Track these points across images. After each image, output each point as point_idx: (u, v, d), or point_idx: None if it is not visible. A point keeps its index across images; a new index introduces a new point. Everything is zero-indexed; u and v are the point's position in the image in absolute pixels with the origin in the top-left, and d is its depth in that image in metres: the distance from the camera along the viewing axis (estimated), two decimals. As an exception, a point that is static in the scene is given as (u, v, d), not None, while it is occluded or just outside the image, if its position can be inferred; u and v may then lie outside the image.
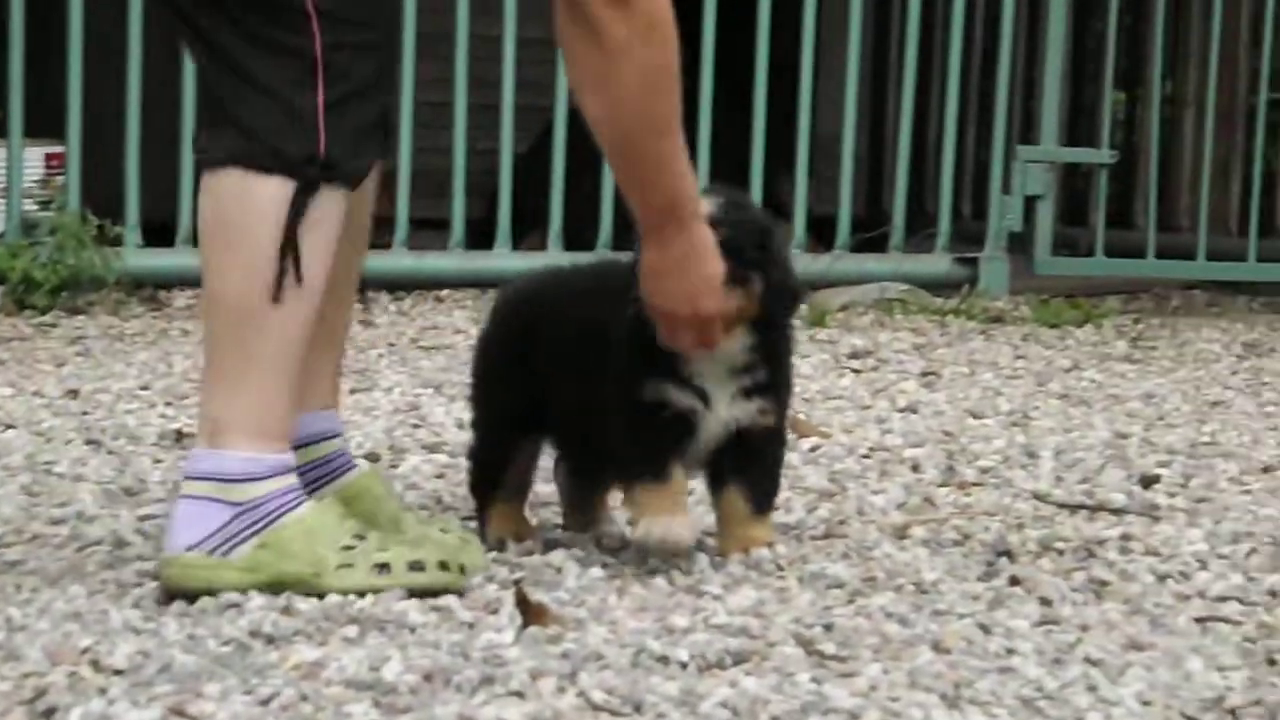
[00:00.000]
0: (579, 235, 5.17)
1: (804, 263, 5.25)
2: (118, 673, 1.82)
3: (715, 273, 2.23)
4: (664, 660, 1.95)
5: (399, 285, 5.14)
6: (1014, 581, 2.32)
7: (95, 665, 1.83)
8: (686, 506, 2.34)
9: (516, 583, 2.20)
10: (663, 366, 2.30)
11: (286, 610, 2.04)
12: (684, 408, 2.31)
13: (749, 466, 2.35)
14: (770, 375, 2.33)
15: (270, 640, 1.95)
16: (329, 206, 2.12)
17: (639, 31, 2.15)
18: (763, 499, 2.38)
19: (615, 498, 2.52)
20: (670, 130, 2.19)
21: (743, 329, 2.29)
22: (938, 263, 5.42)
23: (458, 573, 2.18)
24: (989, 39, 6.23)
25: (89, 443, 3.07)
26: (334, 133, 2.11)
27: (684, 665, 1.94)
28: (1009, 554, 2.45)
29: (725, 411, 2.32)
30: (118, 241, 4.81)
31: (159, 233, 5.03)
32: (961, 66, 5.54)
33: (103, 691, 1.76)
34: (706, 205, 2.25)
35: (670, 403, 2.31)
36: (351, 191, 2.17)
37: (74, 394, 3.51)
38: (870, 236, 5.46)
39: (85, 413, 3.34)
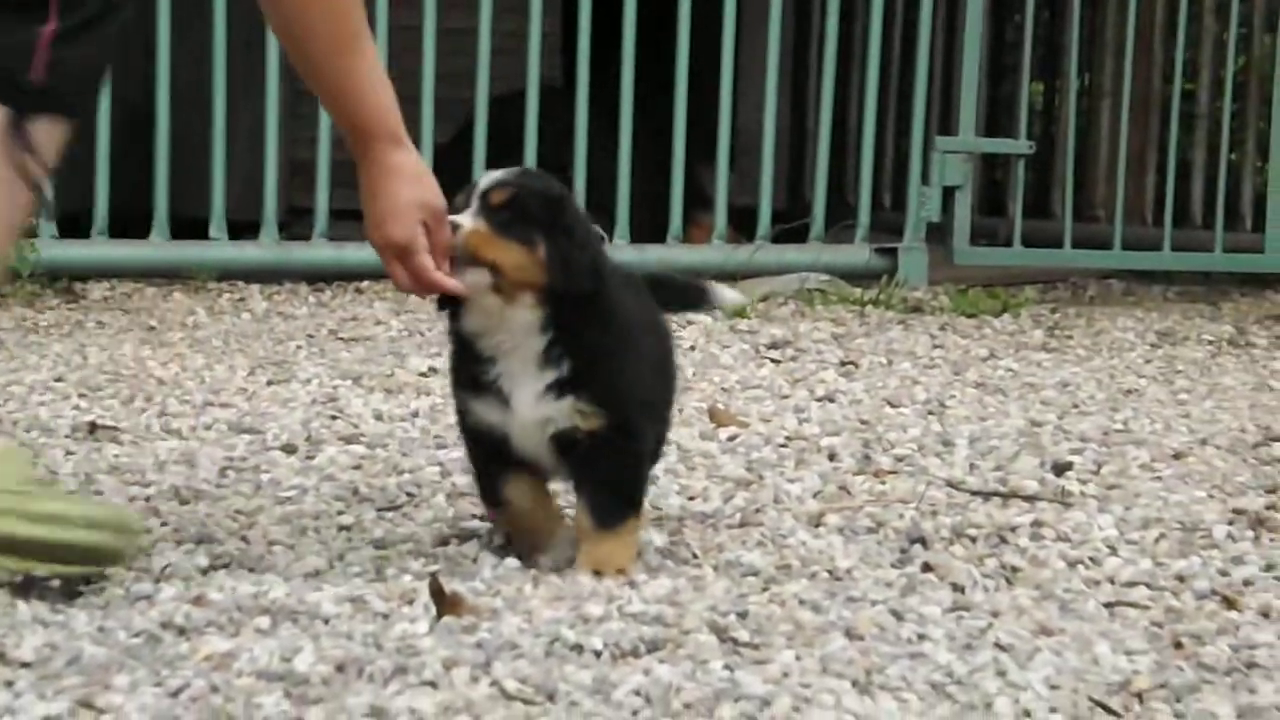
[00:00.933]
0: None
1: (725, 253, 5.29)
2: (24, 665, 1.80)
3: (411, 198, 2.19)
4: (578, 649, 1.95)
5: (319, 276, 5.12)
6: (927, 568, 2.34)
7: (1, 658, 1.81)
8: (537, 533, 2.27)
9: (432, 573, 2.19)
10: (464, 377, 2.24)
11: (198, 601, 2.03)
12: (488, 420, 2.22)
13: (586, 477, 2.23)
14: (587, 371, 2.20)
15: (181, 631, 1.94)
16: (42, 137, 2.09)
17: None
18: (602, 514, 2.23)
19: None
20: (347, 49, 2.18)
21: (532, 301, 2.18)
22: (857, 253, 5.45)
23: None
24: (908, 30, 6.27)
25: (1, 434, 3.04)
26: (58, 63, 2.07)
27: (598, 654, 1.94)
28: (923, 541, 2.47)
29: (531, 412, 2.21)
30: (33, 233, 4.76)
31: (74, 224, 4.98)
32: (881, 57, 5.57)
33: (9, 684, 1.75)
34: (498, 173, 2.22)
35: (475, 415, 2.24)
36: (73, 123, 2.13)
37: (-13, 386, 3.48)
38: (790, 227, 5.48)
39: (-2, 405, 3.31)
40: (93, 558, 2.09)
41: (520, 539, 2.32)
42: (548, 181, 2.25)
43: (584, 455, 2.22)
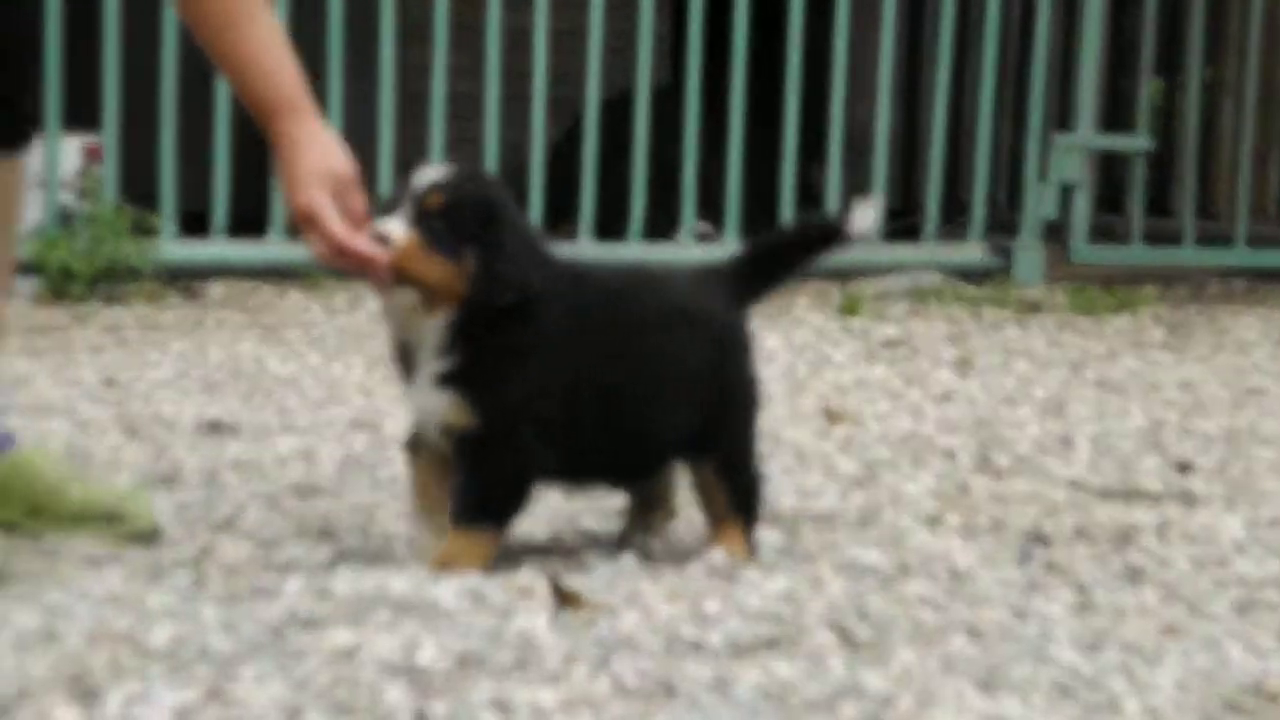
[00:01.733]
0: (610, 226, 5.18)
1: (837, 252, 5.25)
2: (156, 655, 1.83)
3: (313, 167, 2.15)
4: (696, 645, 1.95)
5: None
6: (1049, 568, 2.32)
7: (134, 648, 1.84)
8: (423, 504, 2.21)
9: (550, 569, 2.20)
10: (395, 351, 2.21)
11: (322, 595, 2.05)
12: (405, 397, 2.20)
13: (458, 472, 2.18)
14: (471, 368, 2.15)
15: (306, 624, 1.96)
16: None
17: None
18: (459, 510, 2.17)
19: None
20: (242, 20, 2.17)
21: (450, 308, 2.15)
22: (972, 251, 5.40)
23: None
24: (1026, 23, 6.20)
25: (125, 430, 3.09)
26: None
27: (716, 651, 1.94)
28: (1044, 540, 2.45)
29: (423, 397, 2.18)
30: (153, 232, 4.84)
31: (195, 223, 5.05)
32: (998, 52, 5.51)
33: (142, 674, 1.77)
34: (434, 171, 2.16)
35: (407, 408, 2.22)
36: None
37: (111, 383, 3.53)
38: (904, 225, 5.45)
39: (122, 401, 3.36)
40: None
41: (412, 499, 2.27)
42: (485, 185, 2.19)
43: (461, 450, 2.18)
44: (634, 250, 5.16)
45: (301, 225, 2.14)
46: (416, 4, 5.40)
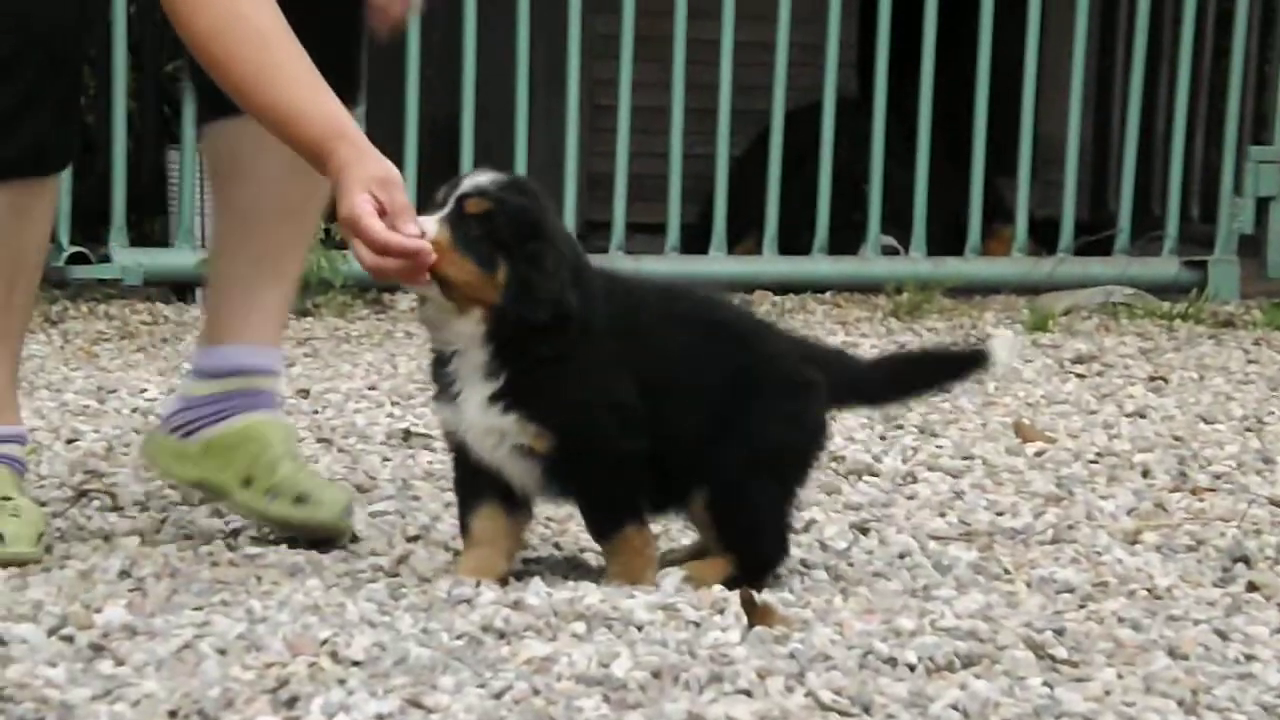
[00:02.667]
0: (794, 239, 5.16)
1: (1025, 267, 5.19)
2: (356, 664, 1.86)
3: (354, 176, 2.10)
4: (892, 662, 1.93)
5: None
6: (1252, 587, 2.26)
7: (334, 656, 1.87)
8: (486, 559, 2.18)
9: (743, 583, 2.20)
10: (434, 381, 2.18)
11: (516, 605, 2.06)
12: (450, 424, 2.16)
13: (569, 495, 2.18)
14: (527, 387, 2.12)
15: (501, 635, 1.98)
16: None
17: None
18: (597, 527, 2.19)
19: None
20: (265, 76, 2.15)
21: (481, 315, 2.12)
22: (1165, 266, 5.29)
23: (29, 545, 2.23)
24: (1220, 34, 6.06)
25: (320, 441, 3.15)
26: None
27: (912, 667, 1.93)
28: (1246, 560, 2.39)
29: (479, 419, 2.14)
30: (344, 245, 4.92)
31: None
32: (1192, 63, 5.40)
33: (342, 682, 1.81)
34: (483, 176, 2.14)
35: (442, 419, 2.18)
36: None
37: (305, 393, 3.60)
38: (1095, 239, 5.35)
39: (316, 411, 3.42)
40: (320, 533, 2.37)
41: (464, 561, 2.23)
42: (531, 197, 2.15)
43: (554, 473, 2.16)
44: (818, 265, 5.14)
45: (345, 234, 2.11)
46: (602, 18, 5.44)
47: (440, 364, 2.18)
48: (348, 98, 2.30)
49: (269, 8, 2.19)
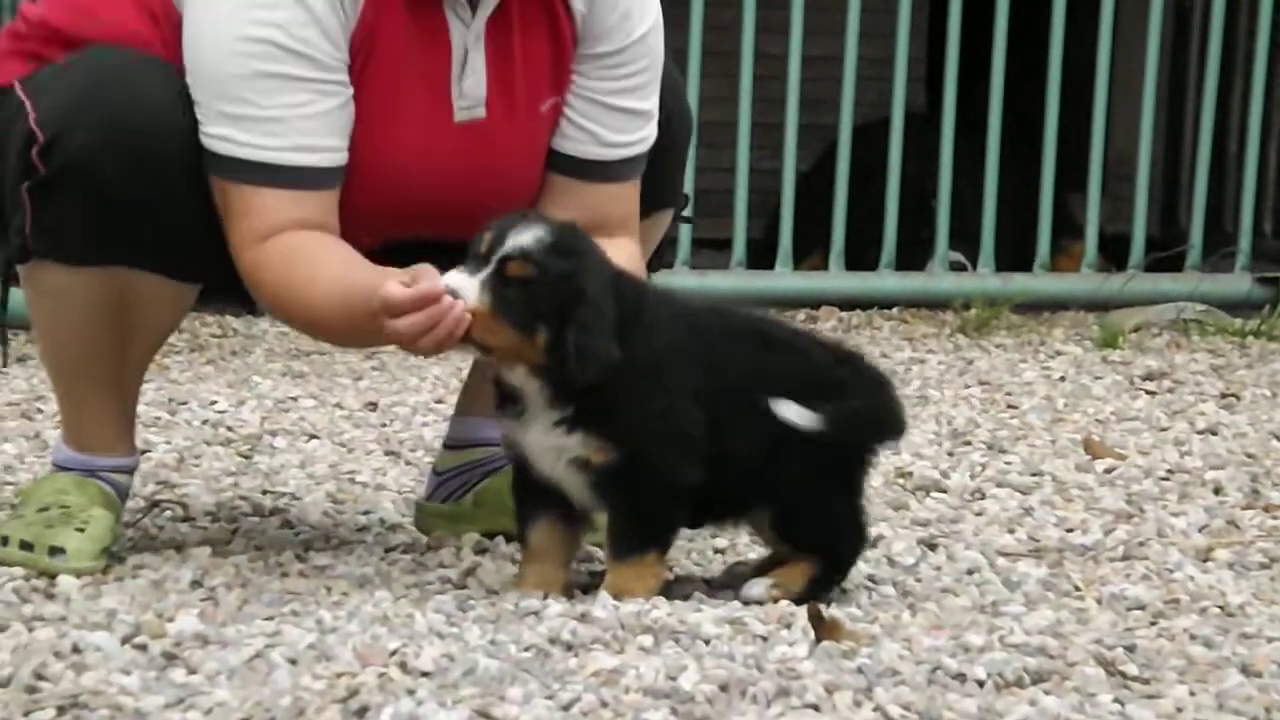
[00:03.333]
0: (861, 254, 5.15)
1: (1095, 283, 5.15)
2: (425, 674, 1.87)
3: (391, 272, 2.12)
4: (961, 677, 1.92)
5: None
6: (1327, 607, 2.24)
7: (403, 667, 1.88)
8: (548, 572, 2.19)
9: (809, 598, 2.20)
10: (499, 396, 2.19)
11: (584, 618, 2.07)
12: (513, 439, 2.17)
13: (608, 507, 2.18)
14: (591, 411, 2.13)
15: (569, 647, 1.98)
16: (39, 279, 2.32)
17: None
18: (619, 545, 2.17)
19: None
20: (300, 275, 2.21)
21: (528, 370, 2.13)
22: (1238, 283, 5.24)
23: (41, 555, 2.27)
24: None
25: (388, 453, 3.17)
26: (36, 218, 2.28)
27: (981, 683, 1.92)
28: (1321, 579, 2.37)
29: (542, 440, 2.16)
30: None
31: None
32: (1266, 77, 5.35)
33: (411, 692, 1.82)
34: (525, 231, 2.11)
35: (505, 433, 2.19)
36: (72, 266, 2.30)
37: (373, 406, 3.63)
38: (1166, 255, 5.31)
39: (384, 424, 3.44)
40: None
41: (526, 575, 2.24)
42: (574, 257, 2.12)
43: (604, 484, 2.16)
44: (885, 281, 5.12)
45: (382, 326, 2.10)
46: (669, 33, 5.45)
47: (504, 382, 2.19)
48: (671, 203, 2.51)
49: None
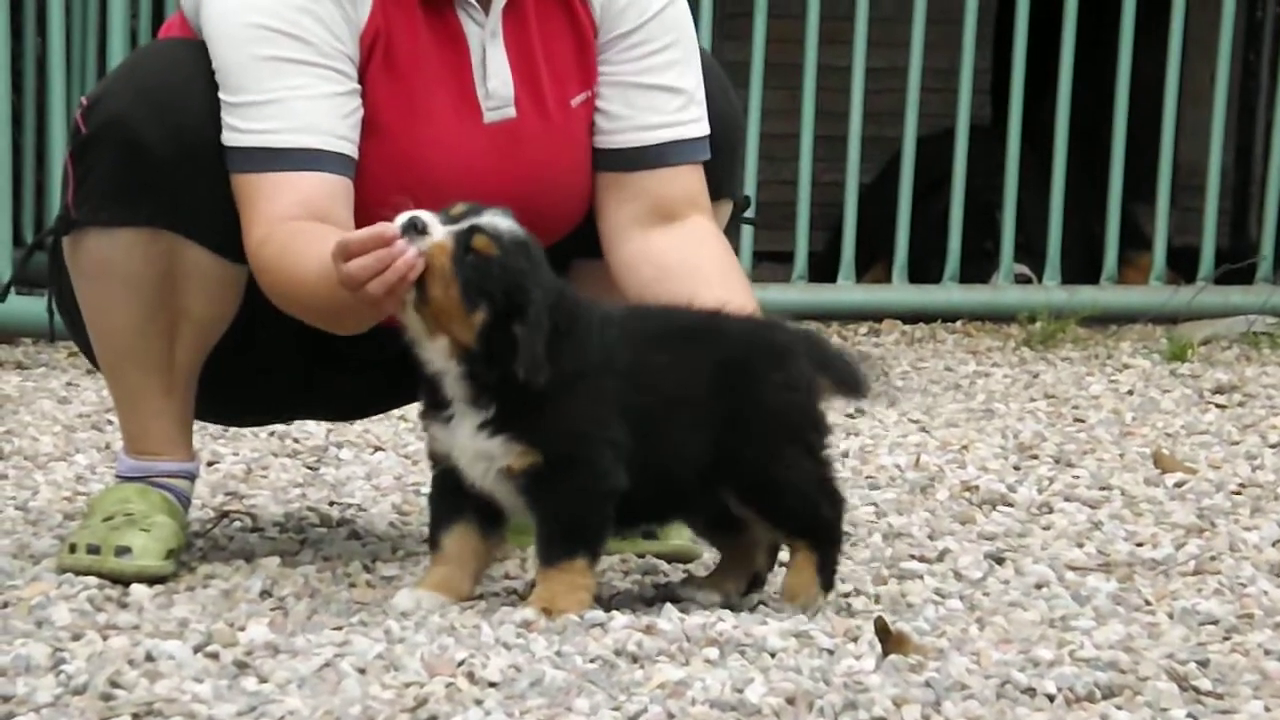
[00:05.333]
0: (924, 267, 5.13)
1: (1164, 295, 5.11)
2: (492, 685, 1.88)
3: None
4: (1030, 692, 1.91)
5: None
6: (1403, 622, 2.21)
7: (471, 677, 1.89)
8: (451, 577, 2.16)
9: (877, 612, 2.19)
10: (426, 402, 2.16)
11: (649, 630, 2.07)
12: (442, 449, 2.15)
13: (535, 513, 2.14)
14: (513, 412, 2.11)
15: (634, 659, 1.98)
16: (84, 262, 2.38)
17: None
18: (547, 551, 2.13)
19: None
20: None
21: (449, 349, 2.10)
22: (1308, 295, 5.18)
23: (108, 556, 2.29)
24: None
25: (455, 466, 3.17)
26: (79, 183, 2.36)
27: (1051, 697, 1.90)
28: (1397, 594, 2.33)
29: (470, 443, 2.13)
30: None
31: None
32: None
33: (479, 703, 1.82)
34: (491, 215, 2.09)
35: (431, 440, 2.16)
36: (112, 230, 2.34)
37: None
38: (1236, 267, 5.26)
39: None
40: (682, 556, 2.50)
41: (429, 576, 2.22)
42: (532, 265, 2.10)
43: (530, 490, 2.13)
44: (949, 293, 5.09)
45: (340, 277, 2.08)
46: (732, 44, 5.45)
47: (431, 385, 2.16)
48: (727, 193, 2.47)
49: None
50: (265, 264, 2.26)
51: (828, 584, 2.24)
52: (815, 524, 2.23)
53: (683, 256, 2.36)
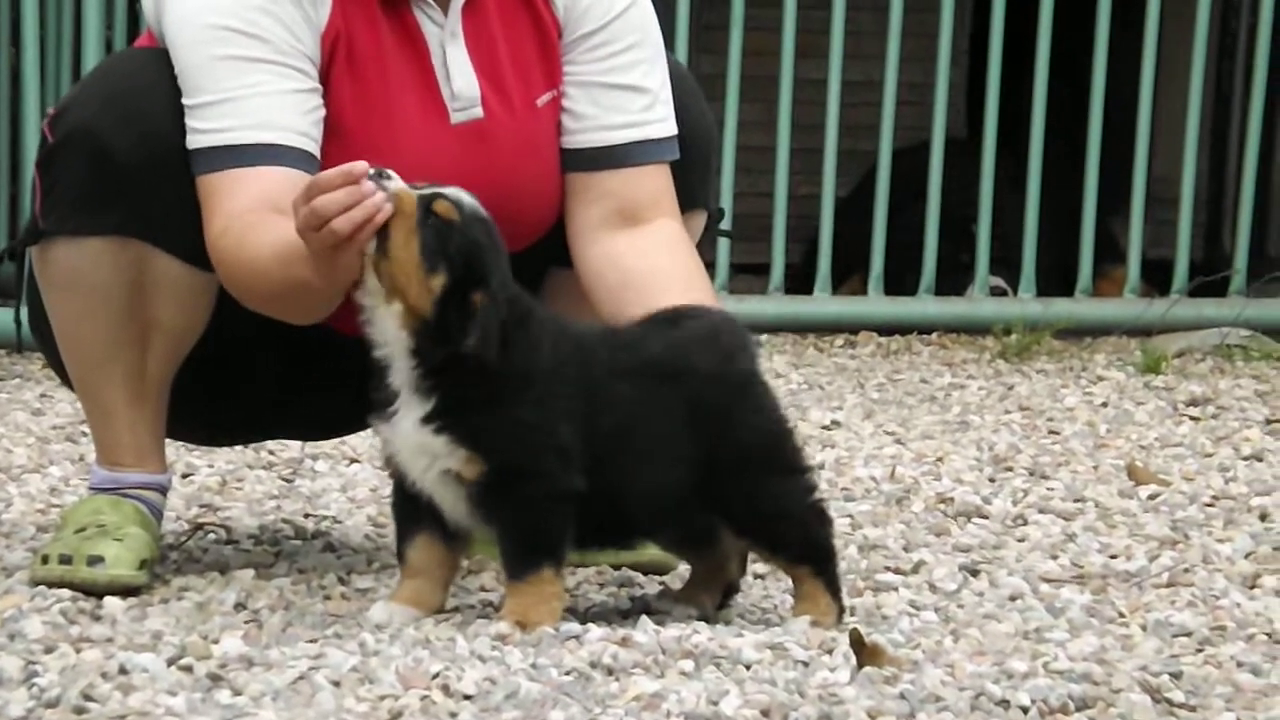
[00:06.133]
0: (899, 279, 5.14)
1: (1138, 308, 5.13)
2: (467, 698, 1.87)
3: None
4: (1004, 704, 1.91)
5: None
6: (1376, 635, 2.22)
7: (446, 690, 1.89)
8: (422, 590, 2.15)
9: (852, 624, 2.19)
10: (374, 400, 2.13)
11: (624, 642, 2.07)
12: (388, 448, 2.12)
13: (493, 525, 2.11)
14: (457, 410, 2.08)
15: (609, 671, 1.98)
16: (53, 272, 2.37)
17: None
18: (512, 563, 2.10)
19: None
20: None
21: (402, 320, 2.07)
22: (1282, 307, 5.21)
23: (80, 565, 2.29)
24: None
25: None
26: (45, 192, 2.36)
27: (1025, 709, 1.91)
28: (1369, 607, 2.34)
29: (413, 436, 2.09)
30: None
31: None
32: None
33: (453, 715, 1.82)
34: (462, 192, 2.10)
35: (381, 440, 2.13)
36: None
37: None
38: (1210, 280, 5.28)
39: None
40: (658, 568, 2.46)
41: (400, 591, 2.20)
42: (492, 243, 2.10)
43: (482, 501, 2.10)
44: (925, 306, 5.11)
45: (295, 212, 2.07)
46: (708, 58, 5.46)
47: (379, 377, 2.14)
48: (700, 204, 2.47)
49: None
50: (223, 255, 2.25)
51: (840, 602, 2.24)
52: (813, 548, 2.23)
53: (646, 262, 2.35)
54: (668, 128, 2.41)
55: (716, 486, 2.19)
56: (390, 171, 2.09)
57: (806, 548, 2.23)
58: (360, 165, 2.06)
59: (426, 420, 2.10)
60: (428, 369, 2.10)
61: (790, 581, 2.28)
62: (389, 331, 2.11)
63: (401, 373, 2.12)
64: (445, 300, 2.08)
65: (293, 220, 2.13)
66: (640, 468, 2.17)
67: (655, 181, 2.39)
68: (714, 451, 2.18)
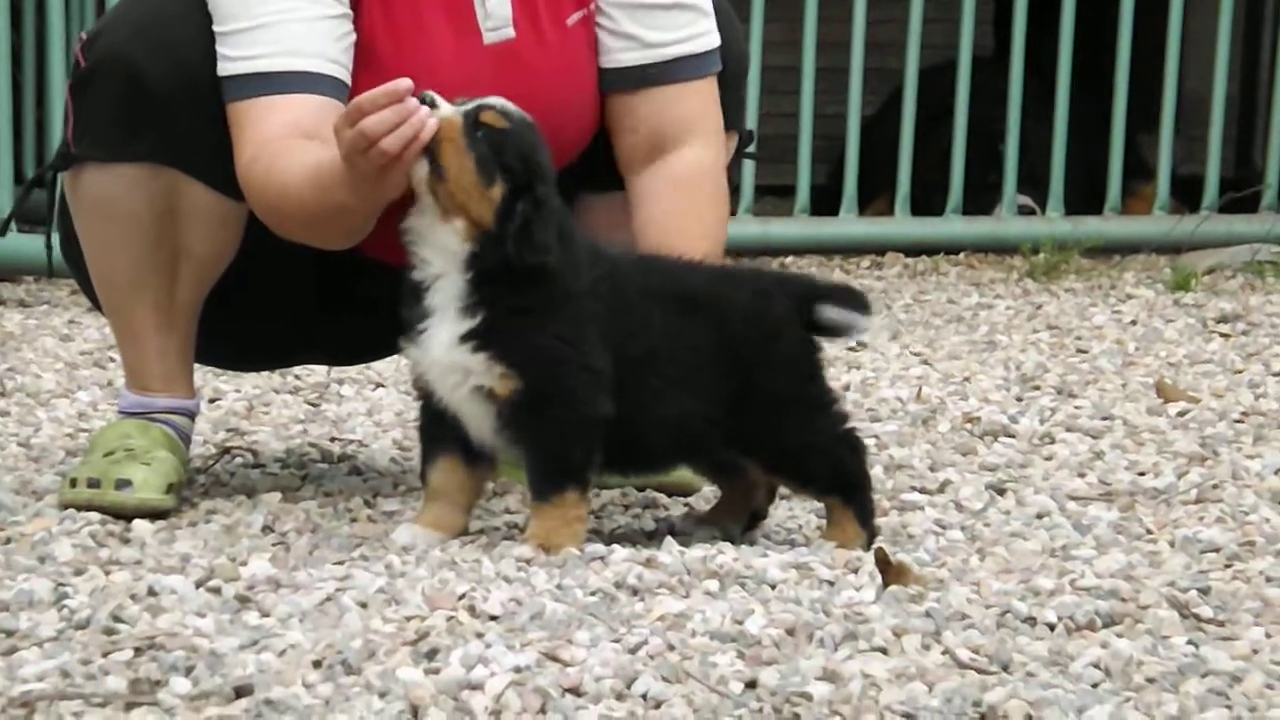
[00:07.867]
0: (926, 200, 5.10)
1: (1167, 225, 5.09)
2: (493, 618, 1.88)
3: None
4: (1031, 621, 1.91)
5: (744, 252, 5.14)
6: (1405, 549, 2.21)
7: (472, 611, 1.89)
8: (446, 514, 2.14)
9: (878, 543, 2.19)
10: (405, 320, 2.11)
11: (649, 563, 2.07)
12: (417, 368, 2.10)
13: (522, 445, 2.10)
14: (502, 327, 2.06)
15: (635, 592, 1.99)
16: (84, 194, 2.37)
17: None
18: (537, 484, 2.10)
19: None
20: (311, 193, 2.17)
21: (464, 233, 2.06)
22: (1313, 223, 5.16)
23: (108, 489, 2.29)
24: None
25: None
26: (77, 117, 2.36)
27: (1052, 626, 1.91)
28: (1398, 521, 2.33)
29: (444, 355, 2.07)
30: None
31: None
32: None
33: (480, 635, 1.82)
34: (508, 102, 2.09)
35: (410, 361, 2.11)
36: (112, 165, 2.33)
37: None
38: (1239, 196, 5.23)
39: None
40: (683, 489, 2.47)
41: (423, 514, 2.20)
42: (539, 146, 2.09)
43: (513, 419, 2.09)
44: (952, 226, 5.07)
45: (339, 136, 2.05)
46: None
47: (415, 298, 2.12)
48: (731, 127, 2.45)
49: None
50: (254, 182, 2.24)
51: (870, 530, 2.23)
52: (842, 479, 2.23)
53: (664, 207, 2.35)
54: (711, 40, 2.40)
55: (747, 424, 2.18)
56: (432, 94, 2.07)
57: (836, 479, 2.23)
58: (405, 83, 2.03)
59: (466, 338, 2.09)
60: (481, 283, 2.08)
61: (818, 504, 2.27)
62: (448, 248, 2.09)
63: (446, 290, 2.10)
64: (507, 208, 2.06)
65: (322, 145, 2.12)
66: (667, 396, 2.16)
67: (692, 102, 2.39)
68: (744, 388, 2.17)
